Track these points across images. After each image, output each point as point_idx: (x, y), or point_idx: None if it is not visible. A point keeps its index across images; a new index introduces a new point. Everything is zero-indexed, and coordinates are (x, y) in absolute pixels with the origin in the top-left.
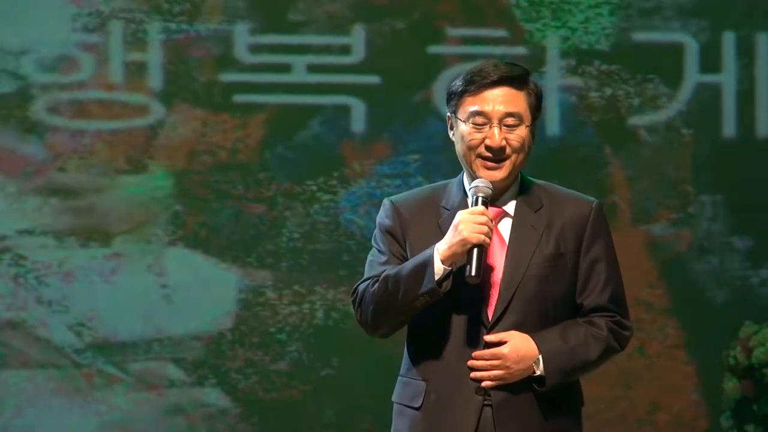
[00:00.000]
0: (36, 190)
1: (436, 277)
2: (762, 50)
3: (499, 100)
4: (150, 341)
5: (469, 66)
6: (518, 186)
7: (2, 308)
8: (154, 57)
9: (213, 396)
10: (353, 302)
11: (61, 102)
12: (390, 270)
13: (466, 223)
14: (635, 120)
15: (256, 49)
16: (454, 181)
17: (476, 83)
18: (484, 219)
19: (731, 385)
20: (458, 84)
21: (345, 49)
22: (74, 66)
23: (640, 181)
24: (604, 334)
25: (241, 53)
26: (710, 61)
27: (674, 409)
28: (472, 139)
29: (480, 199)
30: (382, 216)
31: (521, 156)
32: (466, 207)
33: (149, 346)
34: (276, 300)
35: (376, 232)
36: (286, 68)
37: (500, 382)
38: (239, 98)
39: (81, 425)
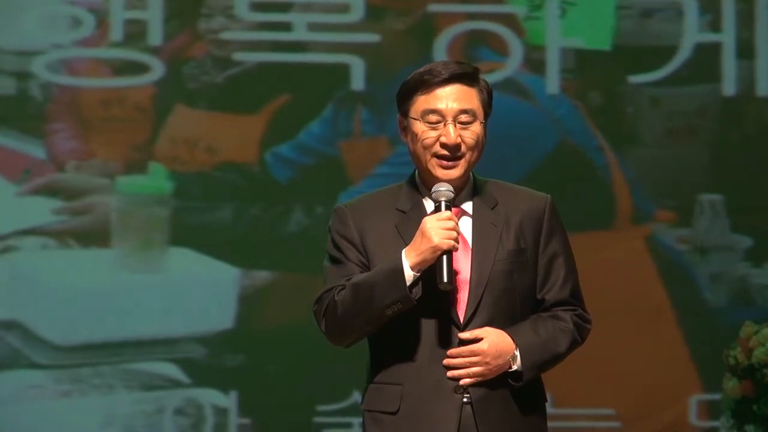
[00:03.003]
0: (36, 190)
1: (407, 284)
2: (762, 8)
3: (452, 97)
4: (150, 341)
5: (471, 24)
6: (472, 185)
7: (2, 308)
8: (155, 15)
9: (213, 396)
10: (315, 313)
11: (61, 60)
12: (357, 278)
13: (435, 230)
14: (636, 79)
15: (257, 7)
16: (405, 183)
17: (427, 82)
18: (452, 224)
19: (731, 385)
20: (409, 84)
21: (345, 8)
22: (74, 24)
23: (640, 181)
24: (570, 327)
25: (242, 11)
26: (710, 20)
27: (674, 409)
28: (426, 138)
29: (444, 204)
30: (337, 223)
31: (476, 153)
32: (423, 208)
33: (149, 346)
34: (276, 300)
35: (331, 240)
36: (286, 27)
37: (479, 379)
38: (239, 56)
39: (81, 425)
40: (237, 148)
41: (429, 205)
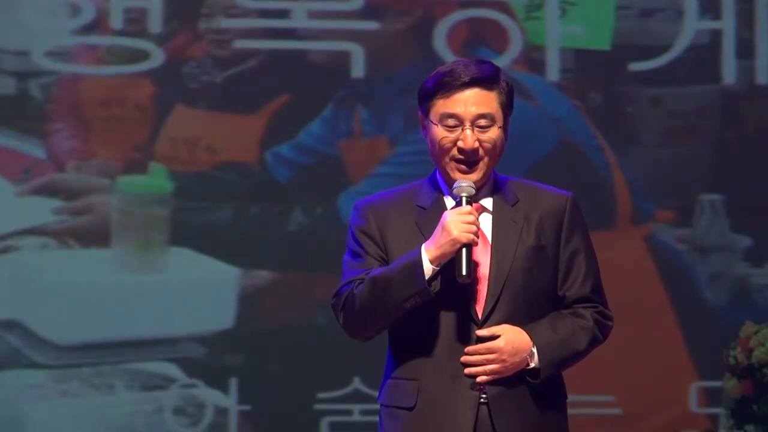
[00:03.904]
0: (36, 190)
1: (426, 278)
2: (762, 8)
3: (470, 101)
4: (150, 341)
5: (468, 12)
6: (492, 182)
7: (2, 308)
8: (154, 3)
9: (213, 396)
10: (334, 306)
11: (61, 47)
12: (375, 272)
13: (455, 223)
14: (636, 66)
15: None
16: (425, 180)
17: (447, 85)
18: (472, 218)
19: (731, 385)
20: (429, 86)
21: None
22: (74, 12)
23: (640, 181)
24: (590, 324)
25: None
26: (710, 8)
27: (674, 409)
28: (444, 142)
29: (464, 199)
30: (357, 218)
31: (494, 157)
32: (443, 205)
33: (149, 346)
34: (276, 300)
35: (351, 234)
36: (286, 14)
37: (496, 377)
38: (239, 44)
39: (81, 425)
40: (237, 148)
41: (449, 202)
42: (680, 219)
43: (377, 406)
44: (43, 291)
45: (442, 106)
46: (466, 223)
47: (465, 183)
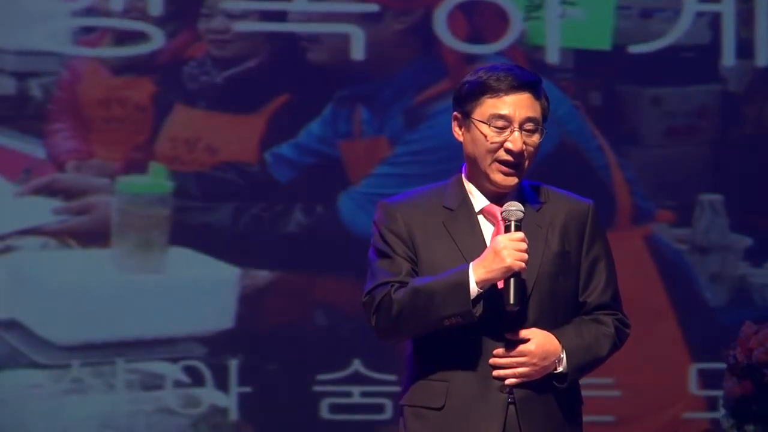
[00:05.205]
0: (36, 190)
1: (471, 299)
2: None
3: (521, 104)
4: (150, 341)
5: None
6: (519, 186)
7: (2, 308)
8: None
9: (213, 396)
10: (366, 305)
11: (61, 29)
12: (418, 281)
13: (509, 250)
14: (635, 49)
15: None
16: (450, 182)
17: (496, 86)
18: (524, 246)
19: (731, 385)
20: (474, 86)
21: None
22: None
23: (640, 181)
24: (611, 331)
25: None
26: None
27: (674, 409)
28: (491, 142)
29: (514, 225)
30: (383, 218)
31: (533, 161)
32: (471, 206)
33: (149, 346)
34: (276, 300)
35: (378, 234)
36: None
37: (525, 379)
38: (240, 26)
39: (81, 425)
40: (237, 148)
41: (477, 203)
42: (680, 219)
43: (377, 388)
44: (43, 291)
45: (491, 106)
46: (519, 250)
47: (514, 207)
